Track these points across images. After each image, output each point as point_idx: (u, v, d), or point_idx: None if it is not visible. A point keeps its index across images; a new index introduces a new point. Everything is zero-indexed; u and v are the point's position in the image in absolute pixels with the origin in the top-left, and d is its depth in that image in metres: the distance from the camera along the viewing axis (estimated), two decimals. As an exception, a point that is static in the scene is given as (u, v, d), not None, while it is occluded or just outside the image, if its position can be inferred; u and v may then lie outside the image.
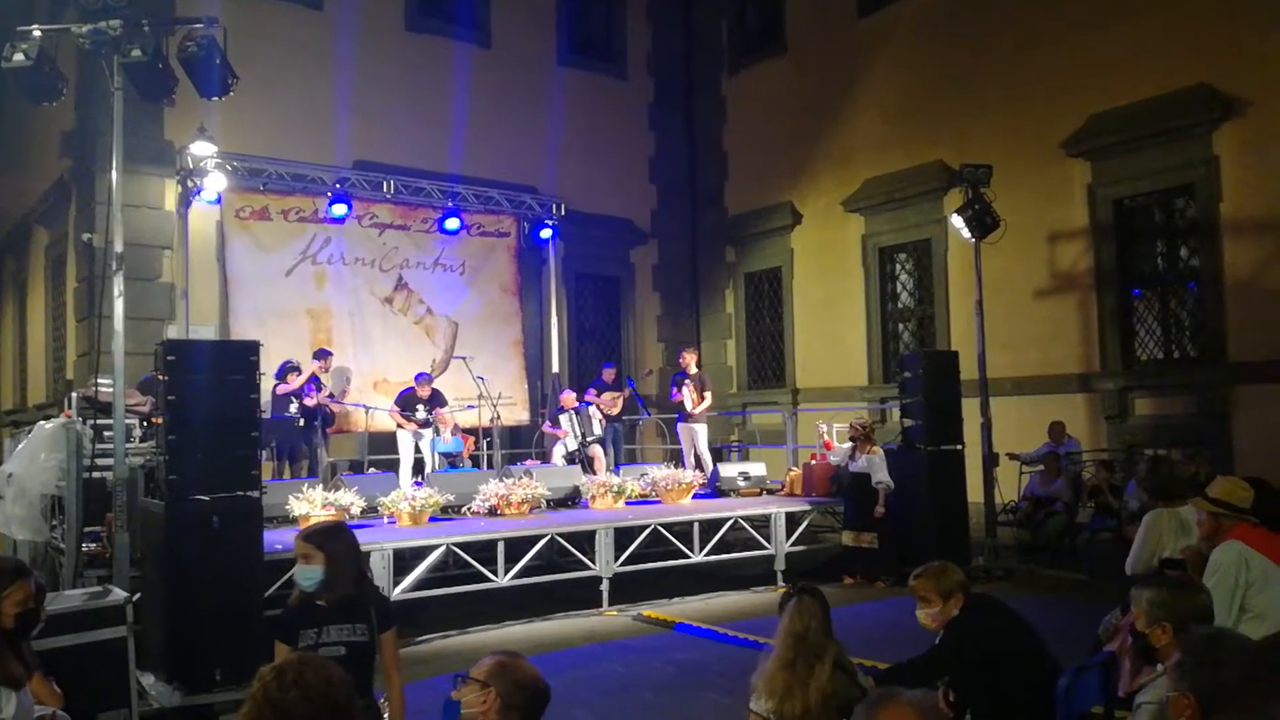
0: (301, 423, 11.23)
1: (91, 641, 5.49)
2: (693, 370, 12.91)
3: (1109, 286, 12.23)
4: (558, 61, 16.58)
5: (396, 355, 13.36)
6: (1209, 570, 4.72)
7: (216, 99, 7.92)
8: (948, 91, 13.81)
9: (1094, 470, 11.08)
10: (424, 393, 11.95)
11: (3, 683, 3.27)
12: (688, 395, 12.64)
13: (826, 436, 11.14)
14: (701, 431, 12.92)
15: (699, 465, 12.61)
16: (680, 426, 13.03)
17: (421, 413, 11.82)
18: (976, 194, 10.94)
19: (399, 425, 11.90)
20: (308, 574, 3.74)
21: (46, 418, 9.43)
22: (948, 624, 4.21)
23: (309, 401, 11.31)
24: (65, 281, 13.95)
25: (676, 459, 13.00)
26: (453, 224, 13.77)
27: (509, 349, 14.80)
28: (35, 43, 7.14)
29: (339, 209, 12.69)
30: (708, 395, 12.81)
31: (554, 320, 15.29)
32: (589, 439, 12.52)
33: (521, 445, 14.24)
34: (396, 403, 12.00)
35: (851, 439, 10.38)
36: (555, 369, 15.13)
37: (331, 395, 11.87)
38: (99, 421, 7.94)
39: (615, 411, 13.22)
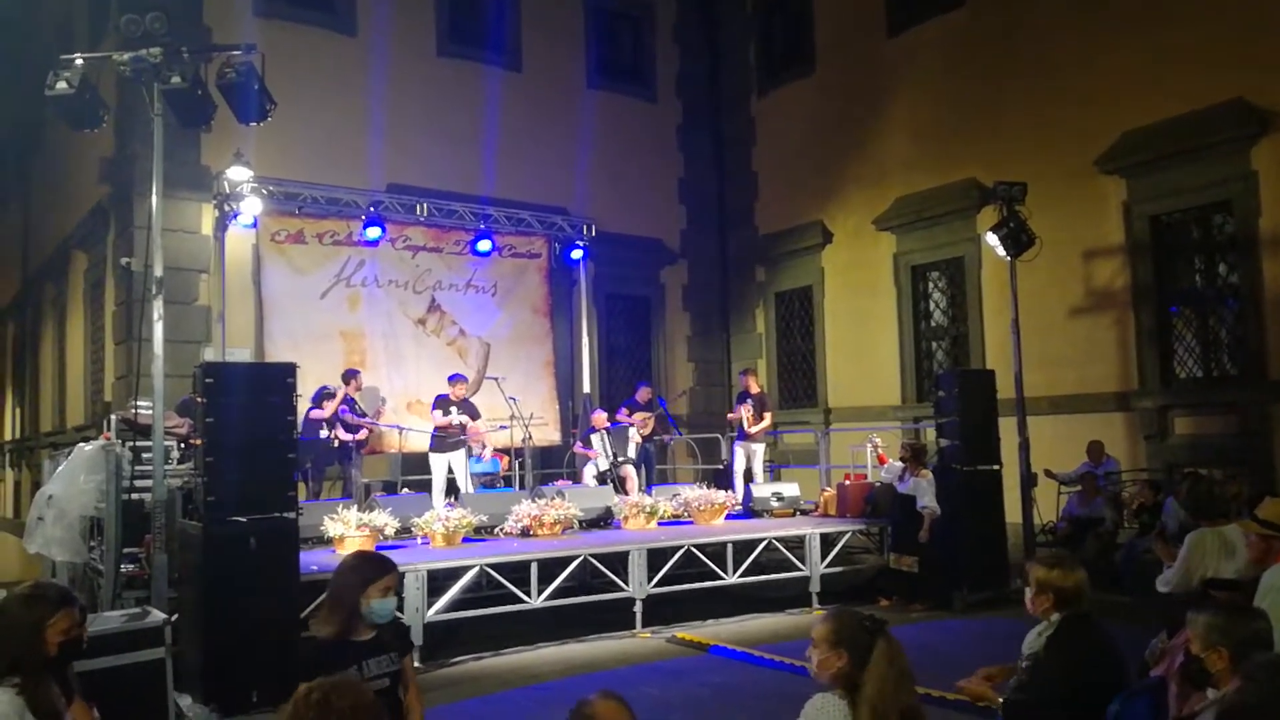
0: (336, 444, 11.31)
1: (130, 663, 5.52)
2: (754, 391, 13.03)
3: (1146, 304, 12.08)
4: (587, 84, 16.70)
5: (429, 377, 13.41)
6: (1261, 593, 4.63)
7: (252, 124, 8.06)
8: (979, 109, 13.75)
9: (1137, 490, 10.90)
10: (457, 394, 11.80)
11: (45, 715, 3.25)
12: (745, 416, 12.75)
13: (881, 451, 11.01)
14: (759, 451, 13.01)
15: (752, 483, 12.63)
16: (738, 445, 13.12)
17: (455, 415, 11.68)
18: (1011, 212, 10.84)
19: (432, 441, 11.79)
20: (390, 605, 3.75)
21: (85, 440, 9.54)
22: (1057, 629, 4.11)
23: (343, 434, 11.37)
24: (104, 305, 14.14)
25: (708, 479, 12.97)
26: (484, 246, 13.87)
27: (540, 369, 14.85)
28: (78, 71, 7.28)
29: (373, 232, 12.80)
30: (766, 416, 12.95)
31: (585, 340, 15.32)
32: (620, 459, 12.50)
33: (553, 466, 14.24)
34: (435, 407, 11.85)
35: (902, 459, 10.26)
36: (586, 389, 15.16)
37: (364, 415, 11.91)
38: (138, 443, 8.03)
39: (646, 432, 13.22)
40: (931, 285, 14.99)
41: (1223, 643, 3.45)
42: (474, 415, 11.95)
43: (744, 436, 12.94)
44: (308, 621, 7.24)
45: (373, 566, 3.78)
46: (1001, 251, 11.01)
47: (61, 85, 7.24)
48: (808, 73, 16.75)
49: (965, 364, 13.81)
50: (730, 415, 13.22)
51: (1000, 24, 13.56)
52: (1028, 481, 10.98)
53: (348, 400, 11.68)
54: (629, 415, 13.22)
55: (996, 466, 10.47)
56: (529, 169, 15.25)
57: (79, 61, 7.31)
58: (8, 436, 23.56)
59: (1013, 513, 10.73)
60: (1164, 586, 5.84)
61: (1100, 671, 4.06)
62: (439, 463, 11.74)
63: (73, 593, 3.77)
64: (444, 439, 11.68)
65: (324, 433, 11.28)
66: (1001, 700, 4.01)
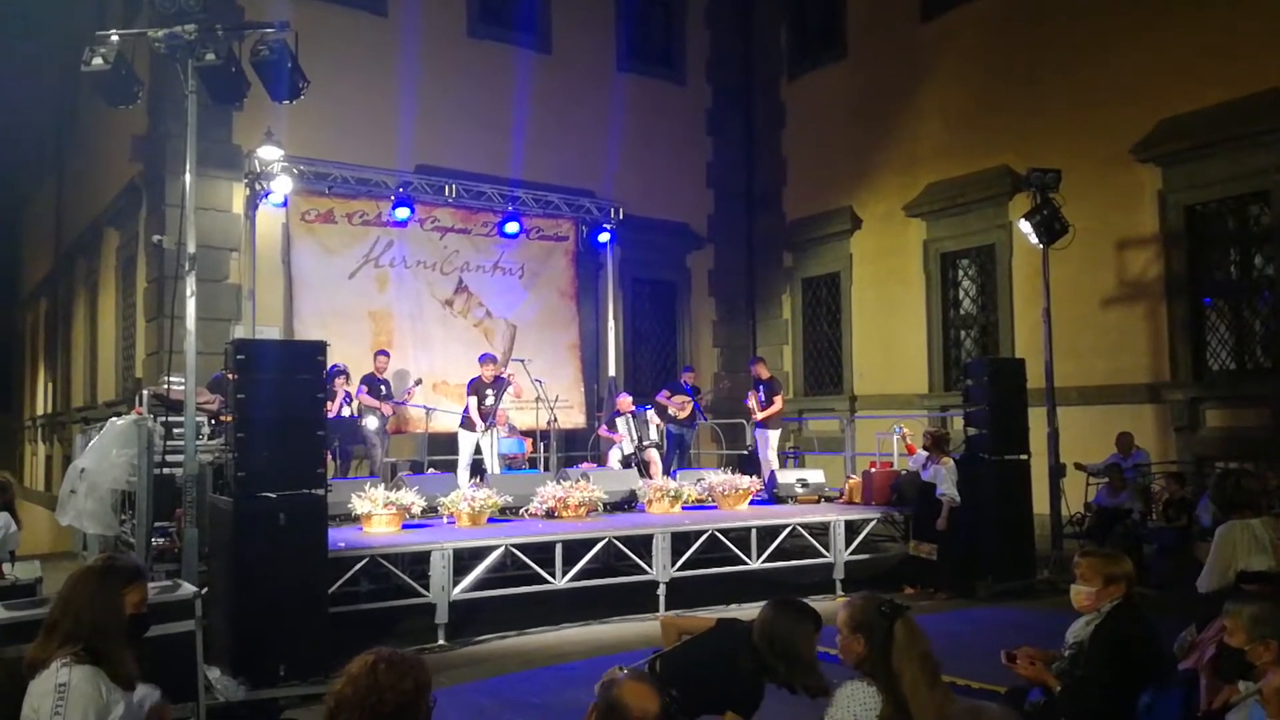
0: (364, 422, 11.37)
1: (160, 635, 5.57)
2: (763, 377, 13.13)
3: (1179, 295, 11.93)
4: (617, 67, 16.64)
5: (456, 358, 13.47)
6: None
7: (284, 103, 8.09)
8: (1012, 96, 13.60)
9: (1164, 483, 10.81)
10: (488, 375, 11.79)
11: (118, 681, 3.27)
12: (754, 402, 12.89)
13: (910, 441, 10.96)
14: (772, 437, 13.04)
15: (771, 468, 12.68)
16: (756, 433, 13.19)
17: (490, 398, 11.66)
18: (1045, 199, 10.73)
19: (463, 418, 11.77)
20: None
21: (117, 415, 9.64)
22: (1107, 615, 4.08)
23: (366, 416, 11.43)
24: (135, 282, 14.27)
25: (733, 464, 12.99)
26: (512, 228, 13.86)
27: (566, 352, 14.86)
28: (113, 47, 7.32)
29: (402, 212, 12.81)
30: (777, 400, 12.99)
31: (610, 324, 15.31)
32: (644, 443, 12.50)
33: (577, 448, 14.28)
34: (469, 392, 11.86)
35: (924, 447, 10.22)
36: (611, 373, 15.16)
37: (390, 397, 11.94)
38: (169, 419, 8.11)
39: (683, 415, 13.23)
40: (961, 273, 14.87)
41: (1272, 635, 3.43)
42: (504, 387, 11.89)
43: (760, 424, 12.99)
44: (335, 597, 7.33)
45: (815, 617, 3.76)
46: (1034, 239, 10.91)
47: (97, 61, 7.28)
48: (839, 57, 16.62)
49: (994, 353, 13.70)
50: (745, 403, 13.37)
51: (1036, 9, 13.40)
52: (1056, 472, 10.89)
53: (371, 381, 11.68)
54: (669, 397, 13.25)
55: (1025, 456, 10.40)
56: (557, 151, 15.23)
57: (114, 38, 7.34)
58: (40, 411, 23.90)
59: (1040, 503, 10.67)
60: (1204, 587, 5.78)
61: (1145, 660, 4.03)
62: (468, 441, 11.77)
63: (143, 566, 3.76)
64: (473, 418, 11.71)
65: (345, 411, 11.32)
66: (1059, 688, 3.99)
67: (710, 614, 8.81)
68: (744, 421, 14.62)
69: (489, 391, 11.70)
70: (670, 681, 3.65)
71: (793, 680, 3.65)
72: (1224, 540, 5.80)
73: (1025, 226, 10.92)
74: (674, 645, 4.04)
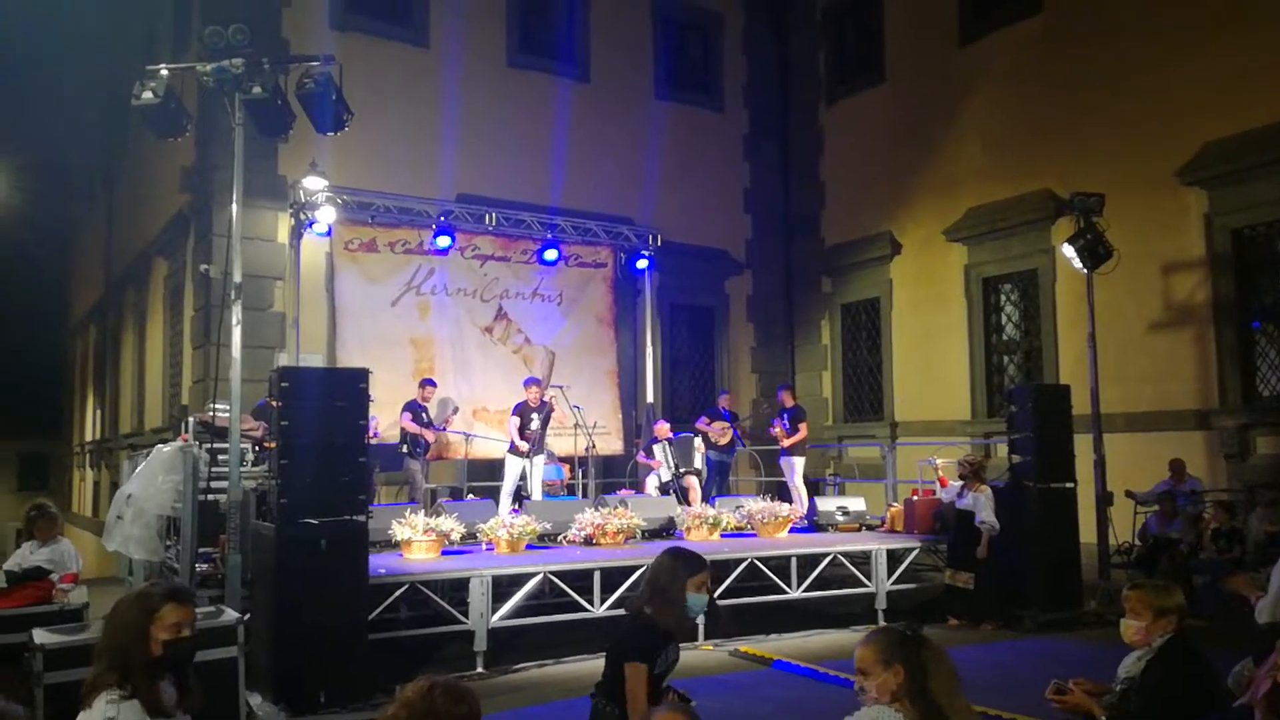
0: (404, 449, 11.43)
1: (203, 661, 5.61)
2: (788, 405, 13.09)
3: (1228, 319, 11.73)
4: (655, 95, 16.77)
5: (495, 384, 13.54)
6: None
7: (328, 135, 8.21)
8: (1053, 119, 13.50)
9: (1212, 512, 10.57)
10: (534, 399, 11.69)
11: (153, 713, 3.23)
12: (779, 429, 12.88)
13: (942, 473, 10.82)
14: (797, 464, 12.91)
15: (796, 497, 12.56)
16: (781, 460, 13.09)
17: (535, 422, 11.62)
18: (1089, 223, 10.58)
19: (512, 444, 11.70)
20: (704, 601, 4.00)
21: (163, 441, 9.78)
22: (1159, 651, 4.00)
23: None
24: (183, 311, 14.51)
25: (772, 491, 12.91)
26: (551, 255, 13.96)
27: (604, 379, 14.89)
28: (163, 81, 7.47)
29: (443, 241, 12.97)
30: (801, 428, 12.89)
31: (649, 351, 15.32)
32: (683, 470, 12.45)
33: (615, 475, 14.26)
34: (515, 414, 11.79)
35: (960, 476, 10.09)
36: (650, 399, 15.15)
37: (431, 424, 12.00)
38: (214, 445, 8.21)
39: (724, 441, 13.18)
40: (1004, 298, 14.72)
41: None
42: (549, 412, 11.87)
43: (785, 451, 12.94)
44: (375, 624, 7.35)
45: (691, 563, 4.05)
46: (1078, 264, 10.76)
47: (147, 95, 7.43)
48: (877, 82, 16.61)
49: (1038, 379, 13.54)
50: (770, 431, 13.38)
51: (1077, 32, 13.31)
52: (1103, 500, 10.68)
53: (415, 408, 11.77)
54: (708, 423, 13.21)
55: (1071, 484, 10.22)
56: (596, 179, 15.34)
57: (164, 72, 7.49)
58: (89, 437, 24.32)
59: (1086, 532, 10.46)
60: (1263, 617, 5.61)
61: (1198, 696, 3.93)
62: (515, 466, 11.72)
63: (185, 588, 3.72)
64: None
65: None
66: (1103, 717, 3.91)
67: (750, 643, 8.78)
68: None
69: (534, 415, 11.69)
70: (608, 694, 3.95)
71: (658, 617, 3.96)
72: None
73: (1069, 251, 10.77)
74: None
